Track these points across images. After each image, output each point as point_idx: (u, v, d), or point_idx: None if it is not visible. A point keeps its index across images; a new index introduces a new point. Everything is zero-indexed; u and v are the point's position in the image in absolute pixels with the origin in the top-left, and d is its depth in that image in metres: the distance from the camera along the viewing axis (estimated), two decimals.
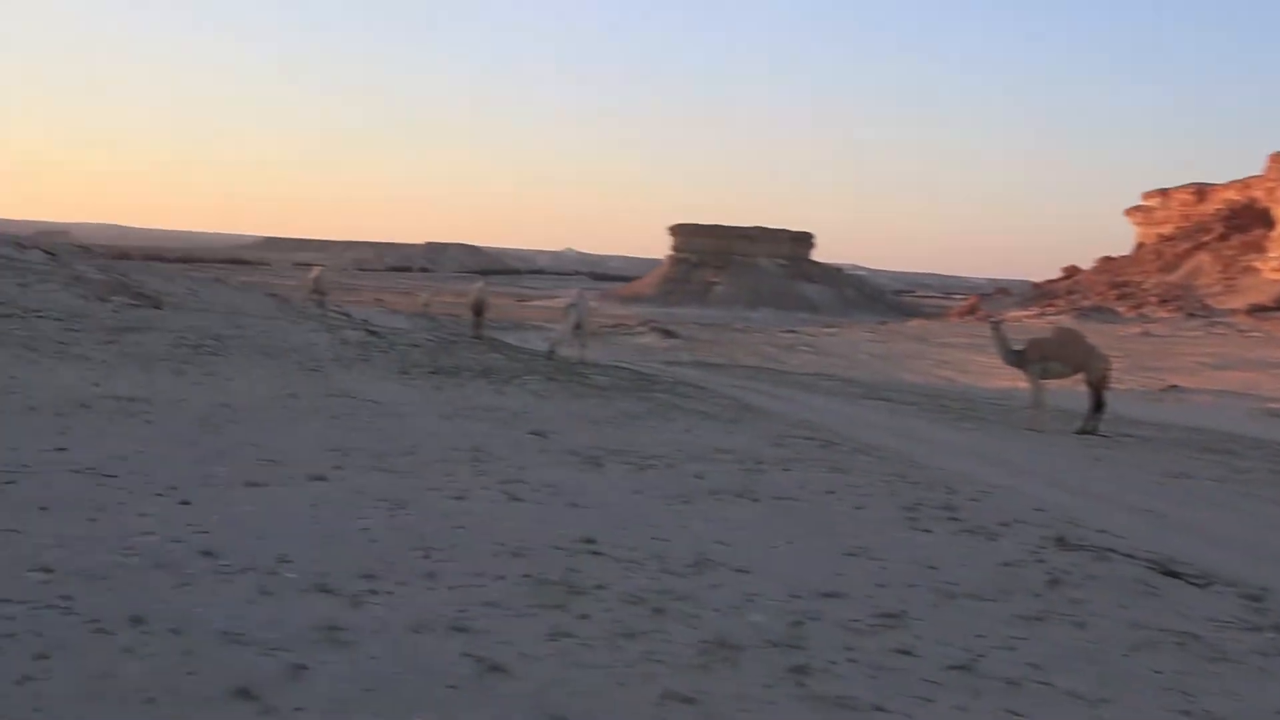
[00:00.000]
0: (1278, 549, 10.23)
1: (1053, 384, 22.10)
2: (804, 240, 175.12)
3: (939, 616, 6.59)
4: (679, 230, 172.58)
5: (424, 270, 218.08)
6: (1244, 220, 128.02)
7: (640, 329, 55.20)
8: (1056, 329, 23.88)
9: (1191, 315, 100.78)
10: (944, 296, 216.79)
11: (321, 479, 9.00)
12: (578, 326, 27.90)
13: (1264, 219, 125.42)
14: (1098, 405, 21.14)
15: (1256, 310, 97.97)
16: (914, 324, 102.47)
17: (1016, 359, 21.77)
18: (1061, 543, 8.99)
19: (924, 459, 14.99)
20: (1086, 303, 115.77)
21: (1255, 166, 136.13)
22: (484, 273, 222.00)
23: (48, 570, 5.63)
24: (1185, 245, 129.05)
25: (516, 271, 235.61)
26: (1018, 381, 41.97)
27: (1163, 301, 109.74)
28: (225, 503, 7.75)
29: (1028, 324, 78.43)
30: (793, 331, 70.58)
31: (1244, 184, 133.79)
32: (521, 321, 70.15)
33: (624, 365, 30.14)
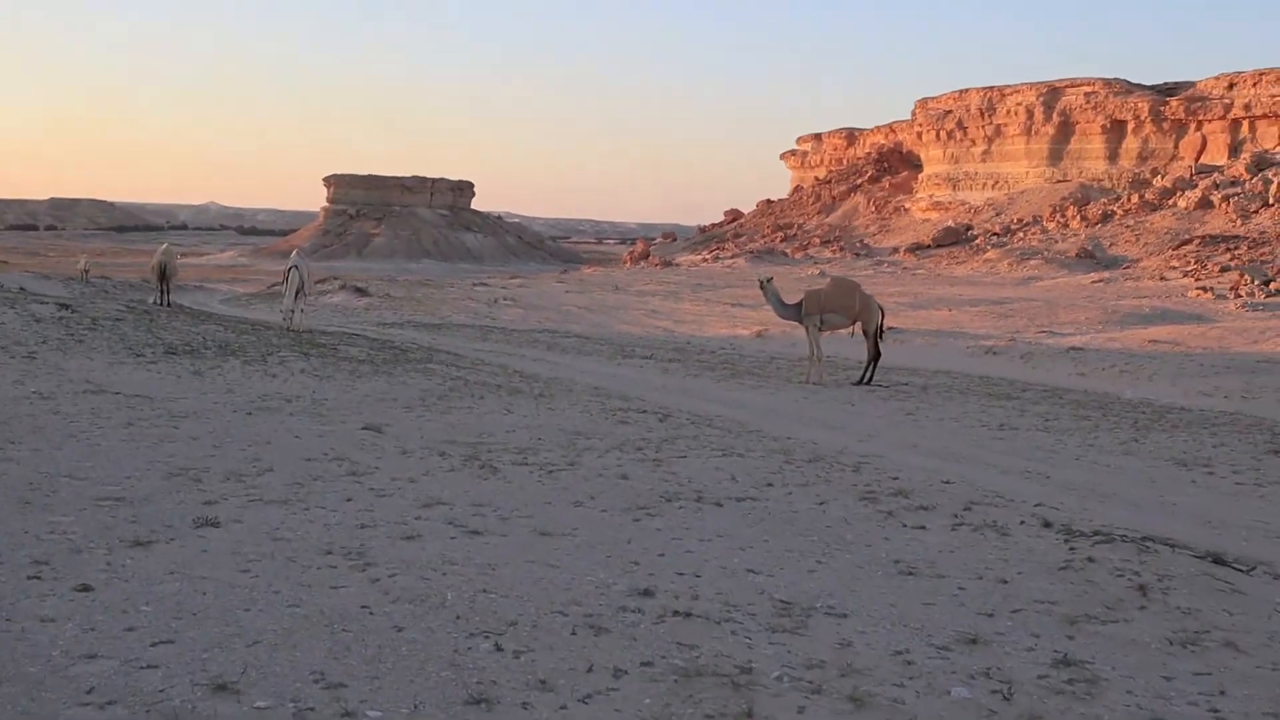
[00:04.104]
0: (1186, 509, 9.85)
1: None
2: (464, 189, 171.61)
3: (1103, 655, 5.47)
4: (334, 181, 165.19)
5: (51, 229, 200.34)
6: (892, 163, 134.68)
7: (329, 287, 51.86)
8: (832, 281, 23.63)
9: (857, 255, 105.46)
10: (597, 242, 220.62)
11: (212, 524, 6.90)
12: (299, 292, 25.53)
13: (910, 162, 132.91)
14: (876, 355, 21.04)
15: (917, 249, 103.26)
16: (593, 271, 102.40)
17: (794, 313, 21.28)
18: (1065, 530, 8.11)
19: (762, 427, 14.09)
20: (754, 245, 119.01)
21: (903, 112, 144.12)
22: (120, 229, 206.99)
23: None
24: (840, 188, 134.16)
25: (157, 228, 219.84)
26: (736, 330, 42.46)
27: (825, 242, 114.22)
28: (133, 580, 5.62)
29: (707, 268, 79.53)
30: (484, 285, 68.57)
31: (890, 129, 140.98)
32: (182, 281, 64.82)
33: (356, 333, 27.72)
